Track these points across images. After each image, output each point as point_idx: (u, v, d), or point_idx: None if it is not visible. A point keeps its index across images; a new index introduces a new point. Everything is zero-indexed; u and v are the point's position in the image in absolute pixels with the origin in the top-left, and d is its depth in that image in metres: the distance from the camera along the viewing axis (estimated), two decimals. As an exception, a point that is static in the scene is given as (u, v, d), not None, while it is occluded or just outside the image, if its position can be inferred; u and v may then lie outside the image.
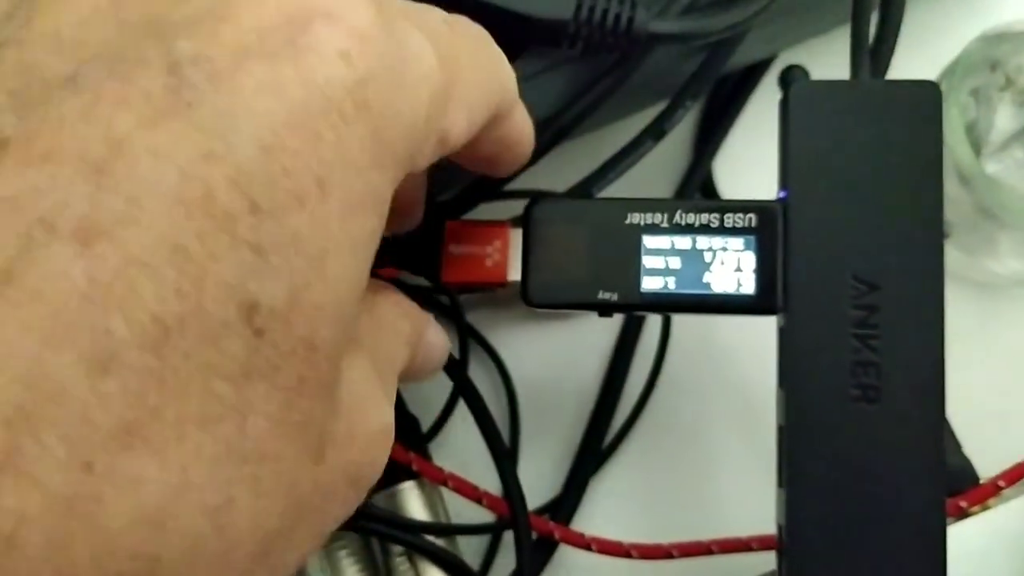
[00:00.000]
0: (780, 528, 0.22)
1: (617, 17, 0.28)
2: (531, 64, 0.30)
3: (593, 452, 0.35)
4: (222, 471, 0.14)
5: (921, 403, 0.22)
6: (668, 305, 0.23)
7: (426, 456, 0.32)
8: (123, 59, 0.14)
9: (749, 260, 0.22)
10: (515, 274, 0.23)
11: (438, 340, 0.23)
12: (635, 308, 0.23)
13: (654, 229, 0.23)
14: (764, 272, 0.22)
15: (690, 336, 0.36)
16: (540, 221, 0.23)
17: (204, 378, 0.14)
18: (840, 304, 0.22)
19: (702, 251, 0.22)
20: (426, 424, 0.34)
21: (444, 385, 0.33)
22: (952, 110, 0.34)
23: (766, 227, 0.22)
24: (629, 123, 0.34)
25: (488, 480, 0.30)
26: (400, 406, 0.32)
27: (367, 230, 0.16)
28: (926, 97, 0.22)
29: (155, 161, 0.14)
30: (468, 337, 0.34)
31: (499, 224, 0.24)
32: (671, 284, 0.22)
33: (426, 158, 0.18)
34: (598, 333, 0.36)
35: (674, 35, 0.28)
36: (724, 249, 0.22)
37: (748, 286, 0.22)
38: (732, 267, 0.22)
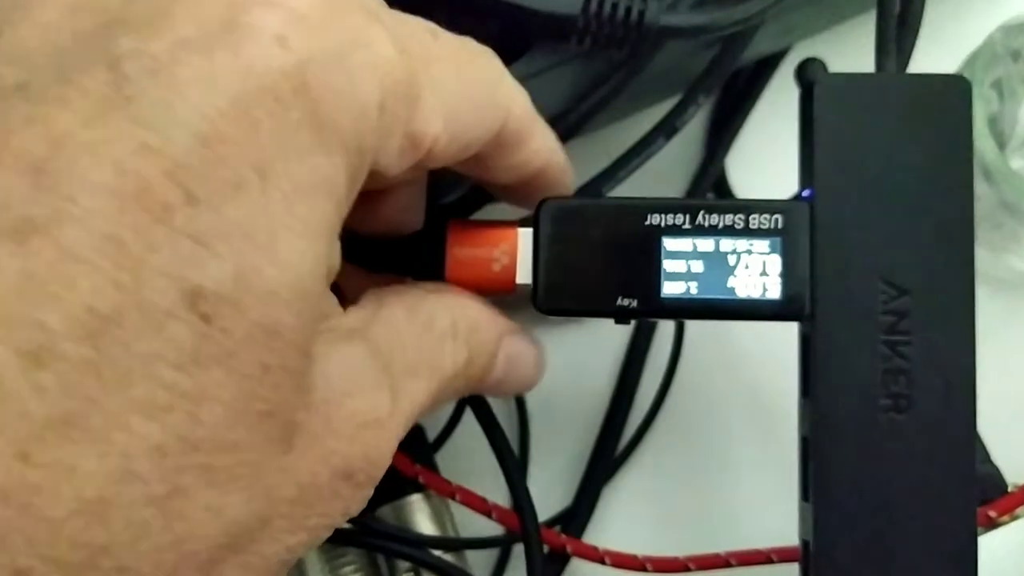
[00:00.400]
0: (805, 544, 0.22)
1: (627, 11, 0.27)
2: (538, 61, 0.29)
3: (606, 460, 0.34)
4: (170, 460, 0.14)
5: (953, 412, 0.21)
6: (690, 311, 0.22)
7: (433, 467, 0.31)
8: (71, 64, 0.15)
9: (775, 263, 0.21)
10: (524, 278, 0.22)
11: (524, 353, 0.23)
12: (655, 315, 0.22)
13: (675, 231, 0.22)
14: (790, 276, 0.21)
15: (705, 338, 0.35)
16: (552, 222, 0.22)
17: (148, 367, 0.14)
18: (869, 309, 0.21)
19: (726, 254, 0.22)
20: (432, 434, 0.33)
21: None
22: (975, 104, 0.33)
23: (793, 228, 0.21)
24: (640, 119, 0.34)
25: (497, 491, 0.29)
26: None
27: (320, 214, 0.16)
28: (955, 92, 0.22)
29: (92, 158, 0.14)
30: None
31: (507, 225, 0.23)
32: (693, 289, 0.22)
33: (394, 157, 0.18)
34: (609, 336, 0.35)
35: (686, 29, 0.28)
36: (749, 252, 0.21)
37: (774, 291, 0.21)
38: (757, 271, 0.21)
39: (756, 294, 0.21)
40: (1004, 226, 0.34)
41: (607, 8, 0.27)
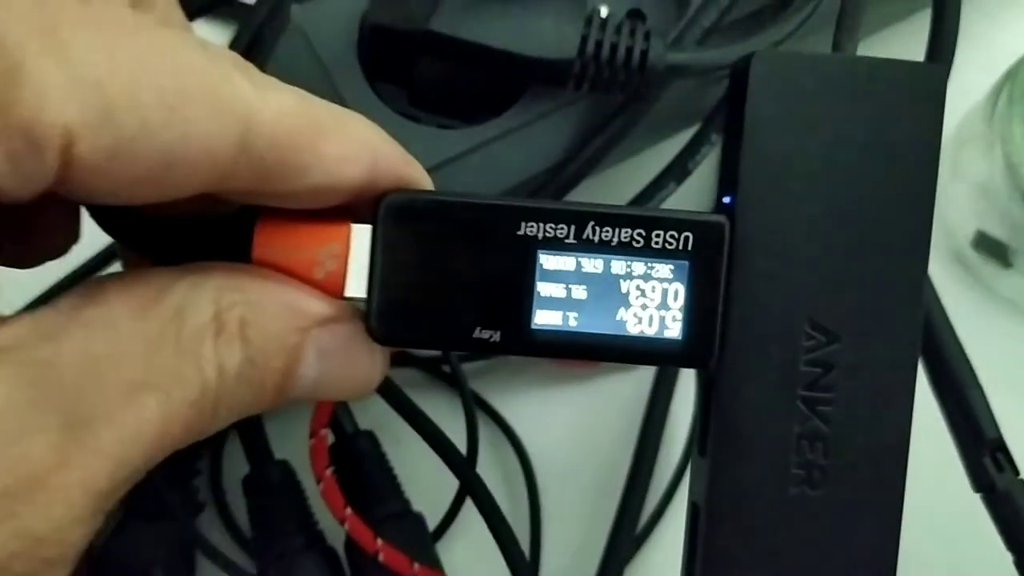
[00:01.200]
0: None
1: (628, 52, 0.25)
2: (531, 108, 0.27)
3: (627, 535, 0.32)
4: None
5: (876, 494, 0.18)
6: (567, 349, 0.18)
7: (434, 562, 0.29)
8: None
9: (678, 294, 0.18)
10: (357, 290, 0.18)
11: (348, 346, 0.18)
12: (521, 351, 0.18)
13: (555, 245, 0.18)
14: (696, 311, 0.18)
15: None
16: (396, 222, 0.18)
17: None
18: (788, 357, 0.18)
19: (618, 278, 0.18)
20: (432, 521, 0.31)
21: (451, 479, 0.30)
22: (1014, 123, 0.31)
23: (704, 250, 0.18)
24: (651, 153, 0.32)
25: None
26: (403, 506, 0.29)
27: None
28: (925, 84, 0.18)
29: None
30: (475, 411, 0.31)
31: (338, 219, 0.18)
32: (572, 321, 0.18)
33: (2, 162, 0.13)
34: (626, 394, 0.33)
35: (696, 68, 0.26)
36: (646, 277, 0.18)
37: (674, 329, 0.18)
38: (655, 302, 0.18)
39: (651, 332, 0.18)
40: (1046, 255, 0.32)
41: (605, 51, 0.25)
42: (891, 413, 0.18)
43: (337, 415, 0.29)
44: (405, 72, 0.27)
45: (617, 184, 0.31)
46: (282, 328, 0.17)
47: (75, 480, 0.14)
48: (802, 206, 0.18)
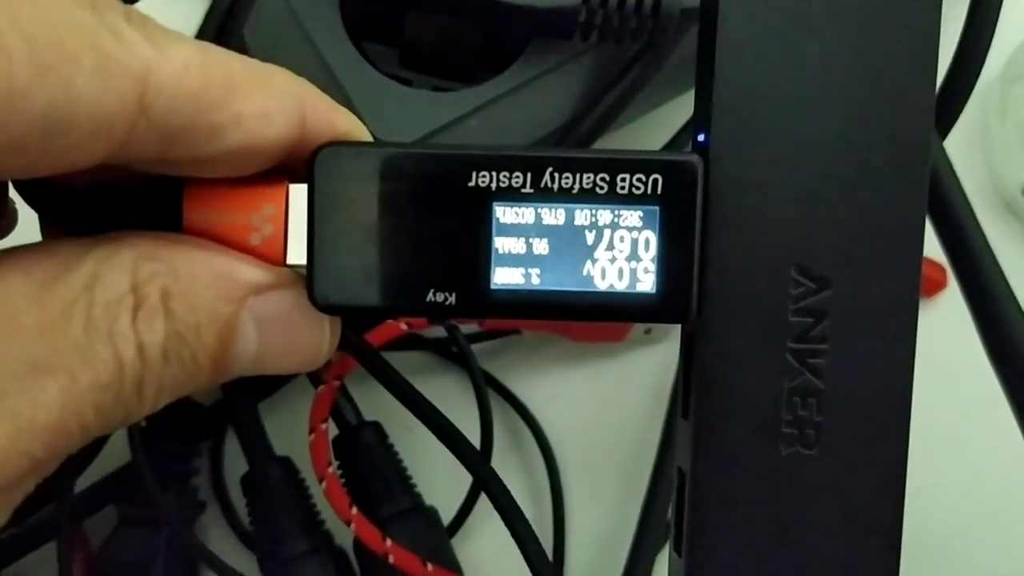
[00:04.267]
0: None
1: None
2: (534, 63, 0.25)
3: (658, 520, 0.30)
4: None
5: (877, 453, 0.17)
6: (531, 309, 0.17)
7: (449, 560, 0.27)
8: None
9: (649, 243, 0.17)
10: (299, 256, 0.17)
11: (291, 315, 0.17)
12: (481, 313, 0.17)
13: (511, 195, 0.17)
14: (670, 261, 0.17)
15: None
16: (333, 178, 0.17)
17: None
18: (775, 307, 0.17)
19: (582, 229, 0.17)
20: (447, 516, 0.30)
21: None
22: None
23: (676, 194, 0.17)
24: (669, 109, 0.30)
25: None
26: (413, 501, 0.28)
27: None
28: None
29: None
30: (488, 396, 0.29)
31: (273, 180, 0.17)
32: (535, 278, 0.17)
33: None
34: (652, 367, 0.32)
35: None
36: (614, 226, 0.17)
37: (647, 282, 0.17)
38: (625, 253, 0.17)
39: (622, 286, 0.17)
40: None
41: (614, -4, 0.23)
42: (891, 363, 0.17)
43: (339, 406, 0.28)
44: (394, 30, 0.26)
45: (636, 141, 0.30)
46: (212, 298, 0.16)
47: None
48: (783, 140, 0.17)
